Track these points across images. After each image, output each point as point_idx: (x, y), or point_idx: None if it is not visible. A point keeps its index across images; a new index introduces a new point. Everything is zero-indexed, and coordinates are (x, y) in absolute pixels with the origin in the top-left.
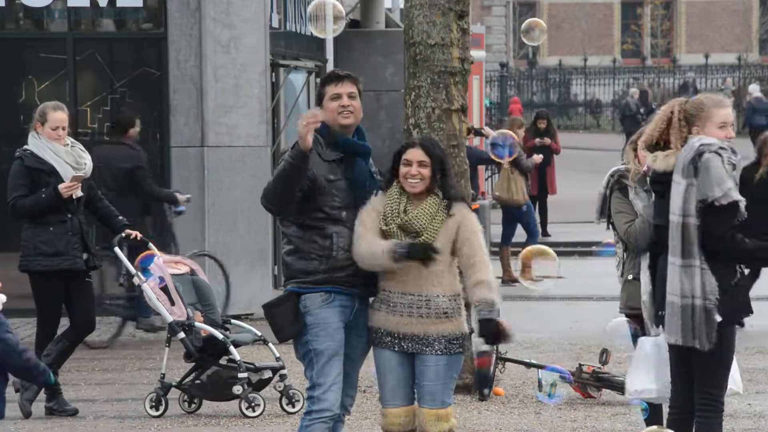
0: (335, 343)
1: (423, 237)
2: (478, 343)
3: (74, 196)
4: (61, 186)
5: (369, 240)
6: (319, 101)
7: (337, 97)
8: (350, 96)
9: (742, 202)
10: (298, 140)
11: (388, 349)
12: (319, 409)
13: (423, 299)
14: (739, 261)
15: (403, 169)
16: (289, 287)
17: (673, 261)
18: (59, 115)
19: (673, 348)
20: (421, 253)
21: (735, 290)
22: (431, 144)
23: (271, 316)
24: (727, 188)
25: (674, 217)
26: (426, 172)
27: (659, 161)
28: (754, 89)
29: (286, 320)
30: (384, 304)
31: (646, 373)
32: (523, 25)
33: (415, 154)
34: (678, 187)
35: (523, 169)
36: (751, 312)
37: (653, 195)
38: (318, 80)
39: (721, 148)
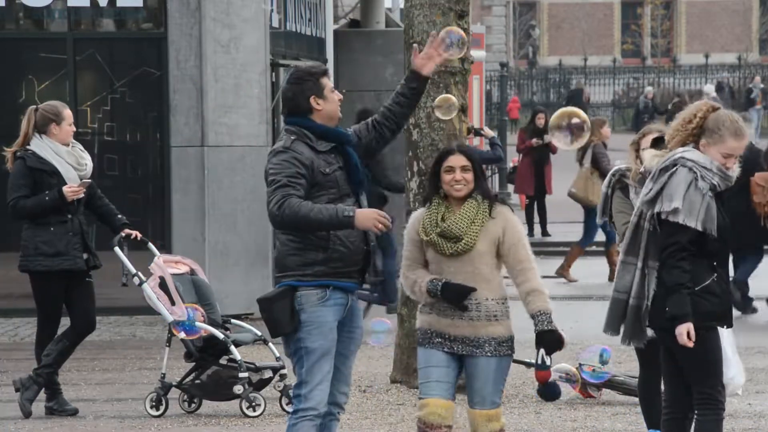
0: (327, 343)
1: (464, 241)
2: (539, 356)
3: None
4: (66, 189)
5: (409, 276)
6: (318, 92)
7: (333, 89)
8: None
9: (688, 224)
10: (358, 221)
11: (437, 349)
12: (305, 407)
13: (473, 302)
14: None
15: (446, 177)
16: (287, 281)
17: (622, 258)
18: (69, 111)
19: (665, 348)
20: (454, 298)
21: (701, 294)
22: (468, 148)
23: (269, 311)
24: (675, 205)
25: (635, 218)
26: (469, 176)
27: (647, 161)
28: (710, 89)
29: (284, 316)
30: (434, 307)
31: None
32: (437, 101)
33: (458, 160)
34: (644, 189)
35: (603, 172)
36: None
37: None
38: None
39: (703, 167)
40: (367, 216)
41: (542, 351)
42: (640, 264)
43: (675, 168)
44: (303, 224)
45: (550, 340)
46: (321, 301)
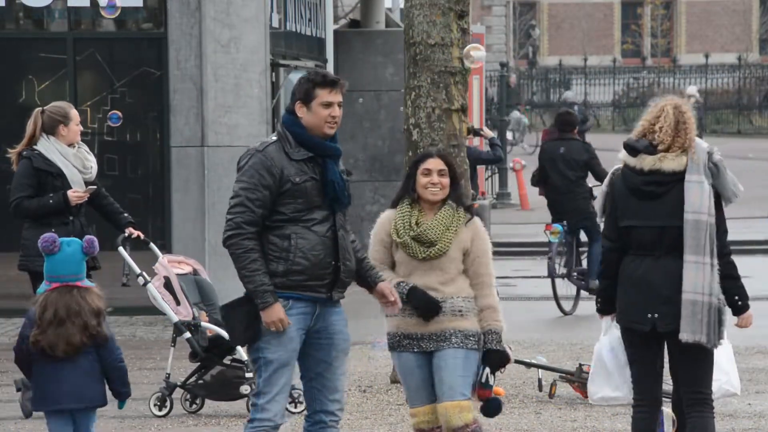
0: (287, 354)
1: (437, 246)
2: (484, 374)
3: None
4: (71, 194)
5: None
6: (306, 100)
7: (329, 105)
8: (339, 105)
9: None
10: (268, 320)
11: (406, 352)
12: (261, 418)
13: (439, 300)
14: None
15: (423, 179)
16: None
17: (696, 259)
18: (75, 111)
19: (648, 345)
20: (421, 305)
21: None
22: (447, 154)
23: (227, 319)
24: (740, 190)
25: (696, 215)
26: (446, 181)
27: (668, 161)
28: (692, 90)
29: (238, 326)
30: (400, 309)
31: (608, 378)
32: (465, 50)
33: (436, 163)
34: (700, 186)
35: None
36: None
37: (638, 197)
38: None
39: None
40: (271, 314)
41: (487, 370)
42: (715, 261)
43: (713, 156)
44: (235, 266)
45: (496, 359)
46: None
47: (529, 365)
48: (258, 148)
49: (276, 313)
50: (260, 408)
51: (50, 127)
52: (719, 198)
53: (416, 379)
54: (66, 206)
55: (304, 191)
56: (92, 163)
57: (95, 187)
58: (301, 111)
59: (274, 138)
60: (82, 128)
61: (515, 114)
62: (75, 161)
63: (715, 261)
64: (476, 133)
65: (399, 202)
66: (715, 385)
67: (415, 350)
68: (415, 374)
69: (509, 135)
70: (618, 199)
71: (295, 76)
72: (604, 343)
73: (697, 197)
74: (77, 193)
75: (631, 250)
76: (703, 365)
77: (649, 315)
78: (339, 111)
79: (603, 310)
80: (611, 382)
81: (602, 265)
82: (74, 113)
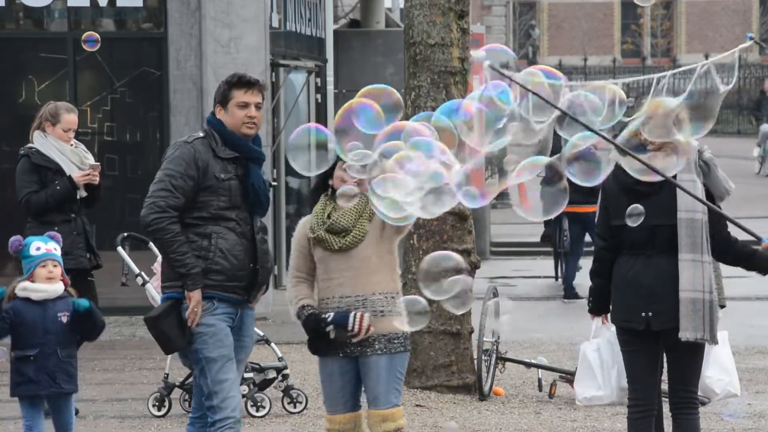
0: (226, 348)
1: (352, 233)
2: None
3: (78, 196)
4: (77, 176)
5: (292, 292)
6: (224, 102)
7: (245, 105)
8: (257, 107)
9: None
10: (190, 295)
11: (330, 357)
12: (222, 418)
13: (360, 299)
14: (737, 259)
15: (338, 172)
16: (170, 293)
17: (693, 257)
18: (72, 118)
19: (644, 345)
20: (309, 335)
21: None
22: None
23: (157, 329)
24: (732, 187)
25: (690, 214)
26: (346, 176)
27: (659, 160)
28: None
29: (173, 332)
30: (324, 312)
31: (592, 380)
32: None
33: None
34: (692, 185)
35: None
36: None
37: (630, 196)
38: (316, 79)
39: None
40: (197, 296)
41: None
42: (709, 259)
43: (703, 154)
44: (163, 250)
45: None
46: (209, 312)
47: (529, 365)
48: (186, 140)
49: (196, 302)
50: (217, 408)
51: (39, 123)
52: (712, 196)
53: (335, 386)
54: (74, 190)
55: (227, 189)
56: (90, 160)
57: (98, 163)
58: (219, 113)
59: (202, 135)
60: (71, 137)
61: (765, 127)
62: (73, 157)
63: (710, 258)
64: None
65: (315, 201)
66: (719, 386)
67: (340, 355)
68: (335, 380)
69: (755, 151)
70: (610, 198)
71: (295, 76)
72: (591, 343)
73: (687, 196)
74: (81, 173)
75: (624, 249)
76: (694, 364)
77: (643, 314)
78: (256, 112)
79: (594, 309)
80: (596, 382)
81: (595, 264)
82: (67, 118)
